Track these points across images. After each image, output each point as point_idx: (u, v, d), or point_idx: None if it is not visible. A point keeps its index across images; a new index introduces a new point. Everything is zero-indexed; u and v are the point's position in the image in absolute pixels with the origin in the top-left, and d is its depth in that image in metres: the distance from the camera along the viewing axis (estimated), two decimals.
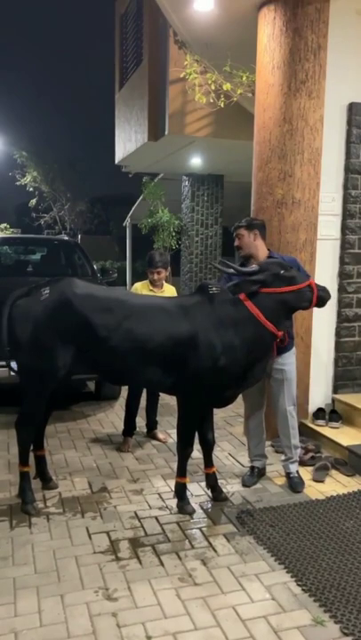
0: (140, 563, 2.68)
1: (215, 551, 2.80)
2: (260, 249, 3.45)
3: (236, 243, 3.49)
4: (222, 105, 5.68)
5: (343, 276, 4.46)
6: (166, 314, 3.10)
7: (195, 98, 5.85)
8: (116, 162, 10.80)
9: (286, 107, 4.10)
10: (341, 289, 4.47)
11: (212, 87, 5.58)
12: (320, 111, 4.14)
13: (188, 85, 6.02)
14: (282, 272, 3.07)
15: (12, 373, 3.71)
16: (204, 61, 5.56)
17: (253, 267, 3.12)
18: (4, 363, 4.49)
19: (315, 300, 3.12)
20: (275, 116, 4.16)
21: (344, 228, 4.42)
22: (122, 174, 11.71)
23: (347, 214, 4.40)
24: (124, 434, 4.32)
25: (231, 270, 3.16)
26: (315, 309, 3.62)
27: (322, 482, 3.62)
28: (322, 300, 3.15)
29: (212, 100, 5.75)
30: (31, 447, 3.35)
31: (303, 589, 2.48)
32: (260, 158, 4.29)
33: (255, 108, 4.40)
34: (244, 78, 5.24)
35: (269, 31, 4.15)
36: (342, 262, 4.45)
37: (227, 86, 5.42)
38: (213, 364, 3.02)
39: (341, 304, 4.48)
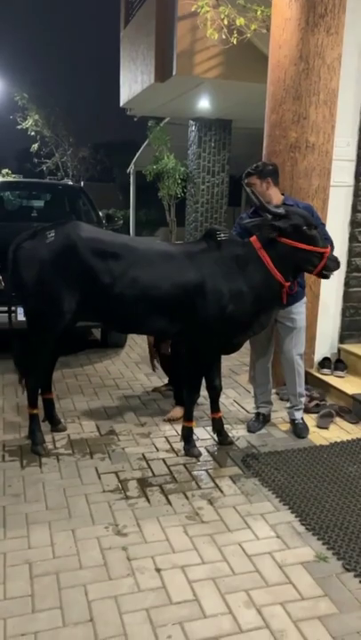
0: (149, 501, 2.76)
1: (221, 492, 2.87)
2: (273, 197, 3.31)
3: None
4: (235, 42, 5.40)
5: (355, 224, 4.37)
6: (173, 260, 3.05)
7: (206, 34, 5.56)
8: (121, 104, 10.41)
9: (303, 43, 3.89)
10: (352, 238, 4.39)
11: (225, 22, 5.30)
12: (338, 49, 3.94)
13: (199, 20, 5.72)
14: (304, 228, 2.96)
15: (22, 318, 3.67)
16: None
17: (280, 210, 2.99)
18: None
19: (319, 268, 3.02)
20: (290, 54, 3.96)
21: (358, 175, 4.31)
22: (127, 119, 11.32)
23: None
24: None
25: (269, 209, 2.98)
26: None
27: (326, 429, 3.68)
28: (326, 268, 3.03)
29: (224, 37, 5.47)
30: (39, 391, 3.39)
31: (307, 528, 2.56)
32: (274, 99, 4.12)
33: (270, 45, 4.18)
34: (259, 12, 4.97)
35: None
36: (355, 210, 4.35)
37: (240, 21, 5.14)
38: (221, 312, 3.00)
39: (352, 253, 4.41)
